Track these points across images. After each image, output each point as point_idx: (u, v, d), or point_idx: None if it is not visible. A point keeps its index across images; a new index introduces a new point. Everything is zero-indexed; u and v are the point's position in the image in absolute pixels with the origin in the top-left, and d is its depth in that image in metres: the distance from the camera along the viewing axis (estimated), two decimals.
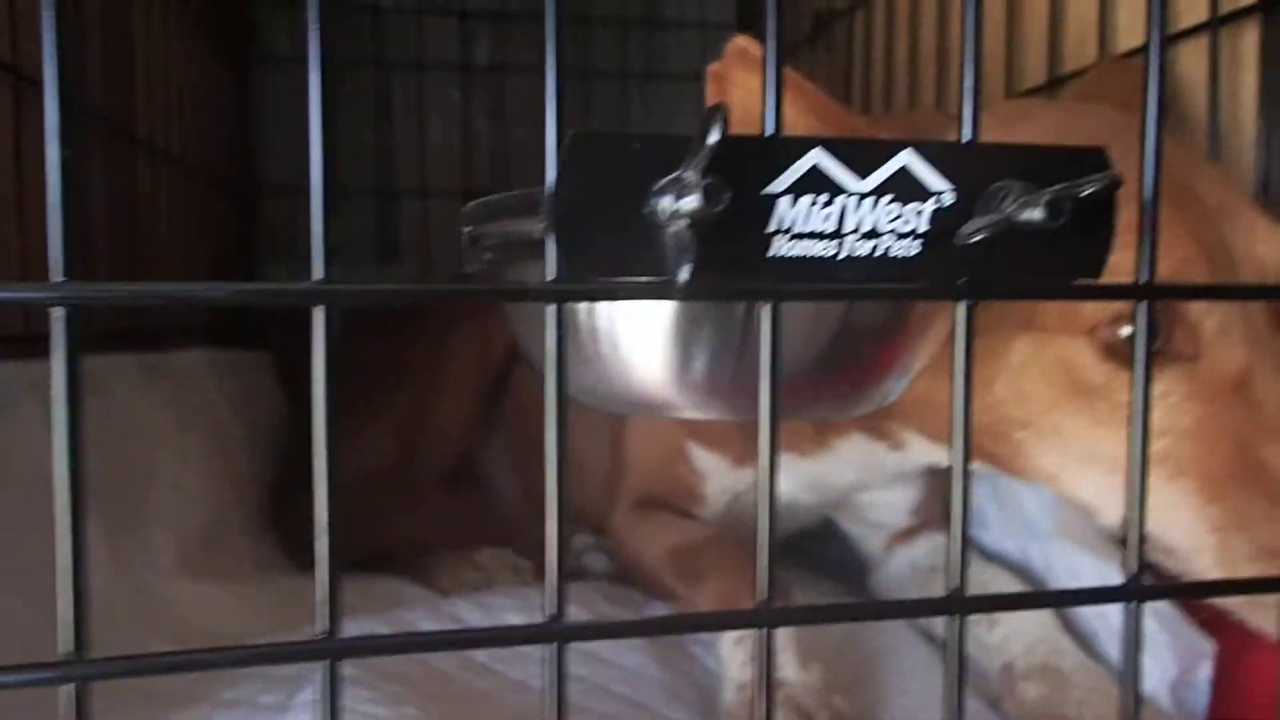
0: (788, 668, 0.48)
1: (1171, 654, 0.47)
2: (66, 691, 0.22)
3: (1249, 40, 0.56)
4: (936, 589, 0.54)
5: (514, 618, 0.60)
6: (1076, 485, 0.45)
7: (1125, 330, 0.41)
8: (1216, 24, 0.56)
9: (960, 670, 0.30)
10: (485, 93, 1.42)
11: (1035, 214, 0.24)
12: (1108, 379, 0.42)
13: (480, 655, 0.54)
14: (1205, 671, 0.47)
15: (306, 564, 0.62)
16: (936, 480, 0.68)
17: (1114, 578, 0.49)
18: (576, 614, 0.57)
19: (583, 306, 0.31)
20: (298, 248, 1.20)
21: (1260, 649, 0.45)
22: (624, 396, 0.32)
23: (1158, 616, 0.48)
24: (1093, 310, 0.41)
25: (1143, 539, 0.28)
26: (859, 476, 0.64)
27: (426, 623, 0.57)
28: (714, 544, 0.65)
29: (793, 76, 0.40)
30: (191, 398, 0.79)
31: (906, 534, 0.69)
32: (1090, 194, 0.25)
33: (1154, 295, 0.28)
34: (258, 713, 0.46)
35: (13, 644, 0.42)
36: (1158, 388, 0.40)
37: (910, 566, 0.69)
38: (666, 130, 0.39)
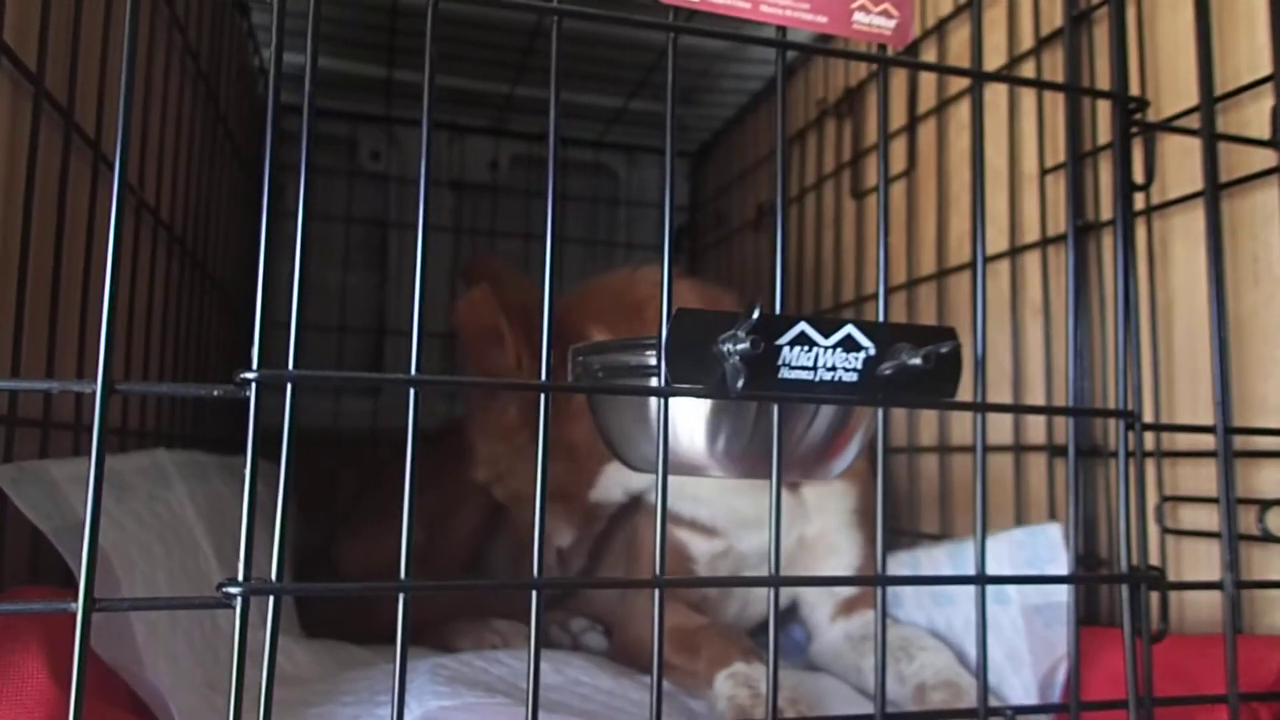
0: (764, 685, 0.66)
1: (1032, 668, 0.67)
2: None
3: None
4: (866, 657, 0.76)
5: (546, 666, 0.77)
6: None
7: None
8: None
9: (882, 635, 0.49)
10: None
11: (917, 361, 0.46)
12: None
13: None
14: (1060, 674, 0.67)
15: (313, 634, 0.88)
16: (869, 558, 0.87)
17: (1000, 617, 0.71)
18: (587, 676, 0.76)
19: (654, 404, 0.52)
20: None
21: (1099, 645, 0.64)
22: (676, 462, 0.52)
23: (1026, 639, 0.68)
24: None
25: (983, 548, 0.49)
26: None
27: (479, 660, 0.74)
28: (706, 626, 0.83)
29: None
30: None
31: (848, 607, 0.88)
32: (945, 352, 0.47)
33: (988, 409, 0.50)
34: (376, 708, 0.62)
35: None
36: None
37: (845, 637, 0.88)
38: None
